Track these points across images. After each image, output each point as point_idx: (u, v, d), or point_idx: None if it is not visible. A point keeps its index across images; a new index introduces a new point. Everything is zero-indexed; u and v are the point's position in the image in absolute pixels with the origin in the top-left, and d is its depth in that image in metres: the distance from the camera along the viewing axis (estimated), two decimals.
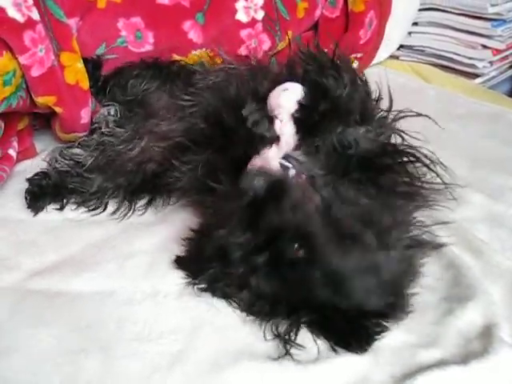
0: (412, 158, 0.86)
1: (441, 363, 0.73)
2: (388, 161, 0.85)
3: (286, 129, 0.84)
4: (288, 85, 0.87)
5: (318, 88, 0.85)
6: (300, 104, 0.84)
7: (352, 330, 0.76)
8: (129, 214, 1.02)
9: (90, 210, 1.03)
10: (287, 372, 0.72)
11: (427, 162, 0.87)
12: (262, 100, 0.88)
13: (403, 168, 0.86)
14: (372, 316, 0.76)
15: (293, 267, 0.74)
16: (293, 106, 0.84)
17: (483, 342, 0.77)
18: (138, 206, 1.03)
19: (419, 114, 0.90)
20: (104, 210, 1.03)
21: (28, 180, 1.06)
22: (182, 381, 0.71)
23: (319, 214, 0.76)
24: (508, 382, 0.73)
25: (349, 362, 0.74)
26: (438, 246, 0.88)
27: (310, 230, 0.74)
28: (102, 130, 1.10)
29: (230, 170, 0.86)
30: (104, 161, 1.06)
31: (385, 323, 0.77)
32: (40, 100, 1.06)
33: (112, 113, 1.12)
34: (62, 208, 1.03)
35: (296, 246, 0.74)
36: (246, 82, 0.97)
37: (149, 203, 1.04)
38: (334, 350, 0.75)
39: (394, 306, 0.78)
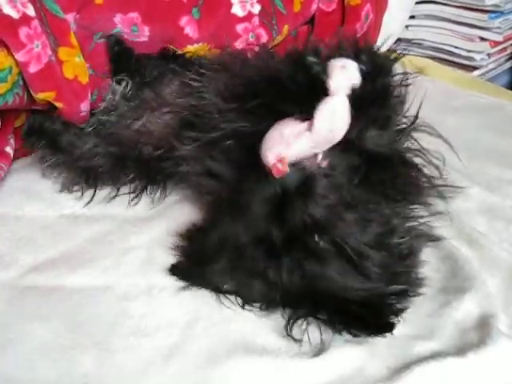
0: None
1: (437, 355, 0.73)
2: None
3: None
4: (344, 61, 0.77)
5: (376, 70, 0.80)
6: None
7: (377, 312, 0.76)
8: (113, 195, 1.02)
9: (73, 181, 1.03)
10: (283, 365, 0.72)
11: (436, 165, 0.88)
12: None
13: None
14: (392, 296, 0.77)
15: (317, 258, 0.73)
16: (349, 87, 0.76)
17: (480, 333, 0.76)
18: (130, 192, 1.03)
19: (440, 136, 0.91)
20: (94, 192, 1.03)
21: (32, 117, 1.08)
22: (177, 374, 0.71)
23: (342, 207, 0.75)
24: (505, 372, 0.73)
25: (345, 354, 0.74)
26: (436, 239, 0.88)
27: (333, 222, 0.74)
28: (107, 103, 1.11)
29: (244, 153, 0.82)
30: (103, 132, 1.07)
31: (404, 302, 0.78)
32: (39, 96, 1.05)
33: (122, 86, 1.12)
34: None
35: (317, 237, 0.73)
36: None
37: (142, 191, 1.03)
38: (356, 336, 0.76)
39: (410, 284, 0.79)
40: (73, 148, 1.05)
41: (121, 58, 1.18)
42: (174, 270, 0.85)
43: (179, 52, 1.22)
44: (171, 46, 1.22)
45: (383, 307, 0.76)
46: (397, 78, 0.88)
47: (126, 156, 1.03)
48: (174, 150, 0.96)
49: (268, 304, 0.79)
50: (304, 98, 0.76)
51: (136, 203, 1.03)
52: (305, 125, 0.75)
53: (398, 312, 0.76)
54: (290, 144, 0.73)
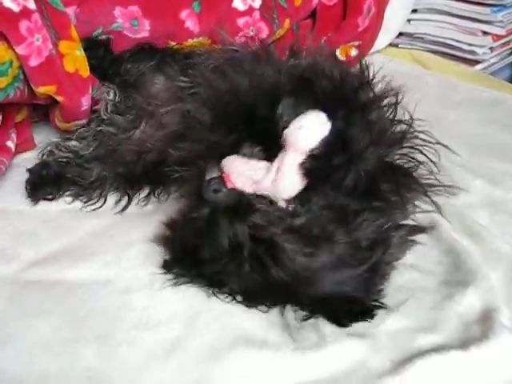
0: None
1: (440, 348, 0.73)
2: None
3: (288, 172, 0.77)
4: (306, 120, 0.77)
5: (340, 138, 0.78)
6: (313, 155, 0.76)
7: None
8: (129, 206, 1.01)
9: (89, 202, 1.02)
10: (285, 358, 0.72)
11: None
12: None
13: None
14: None
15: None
16: (308, 147, 0.76)
17: (483, 326, 0.76)
18: (139, 197, 1.03)
19: (438, 143, 0.88)
20: (104, 202, 1.02)
21: (28, 170, 1.06)
22: (179, 368, 0.71)
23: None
24: (507, 366, 0.73)
25: (347, 348, 0.74)
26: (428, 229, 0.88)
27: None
28: (102, 114, 1.09)
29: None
30: (103, 151, 1.05)
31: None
32: (40, 90, 1.05)
33: (111, 96, 1.12)
34: (60, 197, 1.03)
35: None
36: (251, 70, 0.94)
37: (149, 194, 1.03)
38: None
39: None
40: (81, 179, 1.04)
41: (95, 63, 1.16)
42: (166, 265, 0.85)
43: (156, 46, 1.22)
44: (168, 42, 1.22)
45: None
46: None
47: (133, 173, 1.03)
48: (172, 156, 0.96)
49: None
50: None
51: (145, 205, 1.03)
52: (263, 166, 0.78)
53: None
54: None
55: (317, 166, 0.76)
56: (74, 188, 1.04)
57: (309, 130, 0.76)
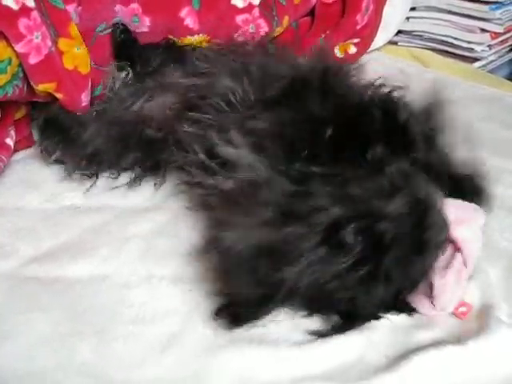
0: None
1: (437, 343, 0.73)
2: None
3: None
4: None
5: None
6: None
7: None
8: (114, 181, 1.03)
9: (78, 171, 1.04)
10: (283, 354, 0.72)
11: None
12: None
13: None
14: None
15: None
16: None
17: (480, 322, 0.76)
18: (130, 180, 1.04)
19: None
20: (96, 178, 1.04)
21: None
22: (176, 363, 0.71)
23: None
24: (505, 361, 0.72)
25: (344, 343, 0.74)
26: None
27: None
28: (107, 91, 1.12)
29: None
30: (101, 117, 1.07)
31: None
32: (40, 88, 1.05)
33: (123, 74, 1.13)
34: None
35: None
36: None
37: (142, 176, 1.04)
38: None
39: None
40: (77, 137, 1.05)
41: (124, 47, 1.18)
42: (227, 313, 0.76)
43: (182, 43, 1.23)
44: (172, 37, 1.22)
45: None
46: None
47: (127, 137, 1.03)
48: (175, 133, 0.96)
49: None
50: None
51: (136, 187, 1.03)
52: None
53: None
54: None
55: None
56: (68, 148, 1.05)
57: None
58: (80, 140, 1.04)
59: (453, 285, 0.74)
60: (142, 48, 1.21)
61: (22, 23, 0.99)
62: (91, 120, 1.08)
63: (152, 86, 1.09)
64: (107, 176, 1.06)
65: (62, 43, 1.07)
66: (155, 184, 1.04)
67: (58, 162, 1.08)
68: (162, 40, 1.22)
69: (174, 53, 1.18)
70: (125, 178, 1.05)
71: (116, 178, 1.05)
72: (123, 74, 1.14)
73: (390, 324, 0.76)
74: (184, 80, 1.03)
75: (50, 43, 1.04)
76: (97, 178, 1.04)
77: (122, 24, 1.20)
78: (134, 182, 1.04)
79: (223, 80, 0.94)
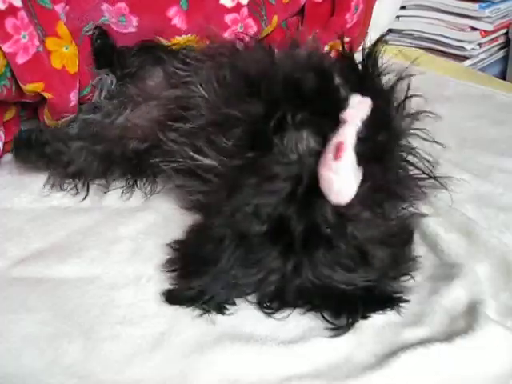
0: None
1: (425, 341, 0.73)
2: None
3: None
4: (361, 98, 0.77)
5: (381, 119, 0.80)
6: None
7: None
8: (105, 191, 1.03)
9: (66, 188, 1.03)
10: (269, 352, 0.72)
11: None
12: None
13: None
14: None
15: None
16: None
17: (468, 319, 0.76)
18: (122, 187, 1.03)
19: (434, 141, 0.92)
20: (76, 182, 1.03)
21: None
22: (163, 362, 0.71)
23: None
24: (493, 358, 0.72)
25: (332, 342, 0.74)
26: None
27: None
28: (94, 100, 1.12)
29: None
30: (86, 133, 1.07)
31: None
32: (28, 87, 1.05)
33: (108, 82, 1.12)
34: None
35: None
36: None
37: (132, 185, 1.03)
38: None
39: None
40: (59, 155, 1.04)
41: (102, 51, 1.18)
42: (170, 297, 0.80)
43: (162, 43, 1.22)
44: (156, 37, 1.22)
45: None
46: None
47: (111, 153, 1.03)
48: (159, 144, 0.96)
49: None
50: (318, 109, 0.77)
51: (128, 198, 1.02)
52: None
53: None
54: None
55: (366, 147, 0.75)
56: (53, 167, 1.04)
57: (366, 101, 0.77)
58: (64, 160, 1.04)
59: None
60: (120, 51, 1.20)
61: (9, 23, 0.99)
62: (73, 137, 1.07)
63: (134, 94, 1.09)
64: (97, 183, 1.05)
65: (50, 42, 1.07)
66: (146, 189, 1.03)
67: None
68: (138, 42, 1.22)
69: (152, 54, 1.17)
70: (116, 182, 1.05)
71: (106, 187, 1.04)
72: (108, 82, 1.13)
73: (378, 322, 0.76)
74: (165, 92, 1.03)
75: (37, 43, 1.04)
76: (87, 189, 1.03)
77: (99, 28, 1.20)
78: (125, 191, 1.03)
79: (197, 90, 0.95)
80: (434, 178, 0.90)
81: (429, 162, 0.90)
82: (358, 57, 0.91)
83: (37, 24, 1.05)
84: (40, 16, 1.06)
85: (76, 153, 1.03)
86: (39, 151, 1.05)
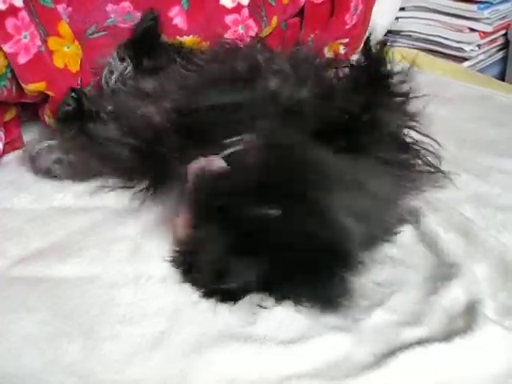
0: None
1: (423, 341, 0.73)
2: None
3: None
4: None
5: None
6: None
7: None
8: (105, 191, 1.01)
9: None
10: (269, 352, 0.72)
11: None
12: None
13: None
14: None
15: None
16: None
17: (467, 319, 0.76)
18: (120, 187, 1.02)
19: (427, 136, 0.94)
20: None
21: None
22: (163, 361, 0.71)
23: None
24: (491, 357, 0.73)
25: (331, 341, 0.74)
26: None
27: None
28: (102, 83, 1.12)
29: None
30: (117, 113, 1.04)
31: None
32: (30, 87, 1.06)
33: (121, 67, 1.13)
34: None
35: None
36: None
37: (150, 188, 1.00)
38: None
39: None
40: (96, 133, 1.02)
41: (146, 35, 1.19)
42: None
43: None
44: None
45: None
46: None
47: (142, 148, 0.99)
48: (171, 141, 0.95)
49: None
50: None
51: (128, 197, 1.01)
52: None
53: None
54: None
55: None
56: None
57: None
58: (98, 140, 1.01)
59: None
60: (160, 43, 1.21)
61: (10, 23, 1.00)
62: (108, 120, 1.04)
63: (151, 88, 1.07)
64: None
65: (52, 42, 1.08)
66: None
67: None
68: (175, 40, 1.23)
69: (181, 53, 1.17)
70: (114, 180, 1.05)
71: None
72: (123, 67, 1.13)
73: (377, 323, 0.76)
74: (176, 92, 1.01)
75: (39, 43, 1.04)
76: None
77: (153, 12, 1.20)
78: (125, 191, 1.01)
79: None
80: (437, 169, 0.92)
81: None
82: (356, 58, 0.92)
83: (38, 23, 1.05)
84: (41, 15, 1.06)
85: (113, 137, 1.01)
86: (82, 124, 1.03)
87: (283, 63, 0.95)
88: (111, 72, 1.13)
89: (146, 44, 1.19)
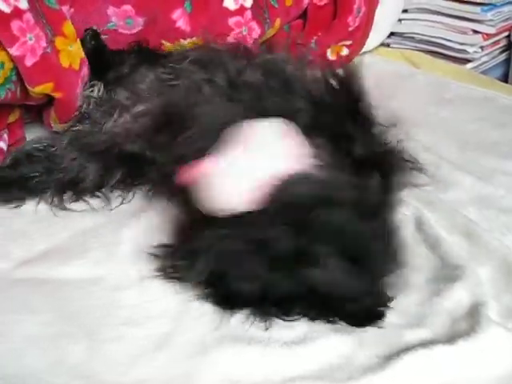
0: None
1: (427, 343, 0.73)
2: None
3: None
4: None
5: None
6: None
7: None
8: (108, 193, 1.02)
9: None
10: (273, 353, 0.73)
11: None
12: None
13: None
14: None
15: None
16: None
17: (470, 321, 0.76)
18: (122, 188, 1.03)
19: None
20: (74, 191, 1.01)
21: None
22: (167, 363, 0.71)
23: None
24: (495, 359, 0.73)
25: (334, 343, 0.74)
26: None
27: None
28: (83, 110, 1.10)
29: None
30: (76, 143, 1.04)
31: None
32: (37, 89, 1.05)
33: (95, 93, 1.12)
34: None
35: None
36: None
37: (132, 187, 1.03)
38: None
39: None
40: (53, 164, 1.03)
41: (96, 53, 1.18)
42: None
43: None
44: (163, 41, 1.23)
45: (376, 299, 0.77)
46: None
47: (105, 157, 1.01)
48: (151, 145, 0.96)
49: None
50: None
51: (130, 200, 1.03)
52: None
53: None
54: None
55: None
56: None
57: None
58: (57, 168, 1.02)
59: None
60: (113, 53, 1.21)
61: (15, 25, 0.99)
62: (66, 148, 1.04)
63: (123, 98, 1.07)
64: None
65: (59, 42, 1.08)
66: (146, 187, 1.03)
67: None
68: (132, 44, 1.22)
69: (145, 56, 1.17)
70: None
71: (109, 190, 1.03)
72: (95, 93, 1.13)
73: (380, 324, 0.76)
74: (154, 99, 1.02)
75: (44, 44, 1.04)
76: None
77: (92, 30, 1.20)
78: (126, 193, 1.03)
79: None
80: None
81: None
82: (359, 60, 0.92)
83: (45, 24, 1.05)
84: (48, 16, 1.06)
85: (70, 163, 1.01)
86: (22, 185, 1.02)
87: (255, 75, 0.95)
88: (87, 102, 1.13)
89: (98, 62, 1.19)
